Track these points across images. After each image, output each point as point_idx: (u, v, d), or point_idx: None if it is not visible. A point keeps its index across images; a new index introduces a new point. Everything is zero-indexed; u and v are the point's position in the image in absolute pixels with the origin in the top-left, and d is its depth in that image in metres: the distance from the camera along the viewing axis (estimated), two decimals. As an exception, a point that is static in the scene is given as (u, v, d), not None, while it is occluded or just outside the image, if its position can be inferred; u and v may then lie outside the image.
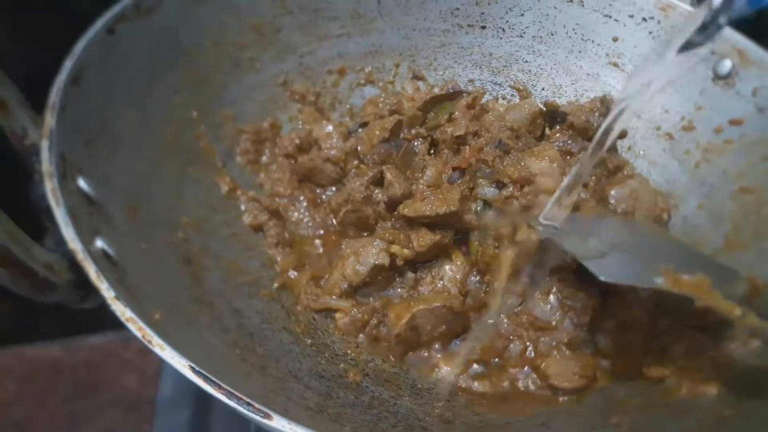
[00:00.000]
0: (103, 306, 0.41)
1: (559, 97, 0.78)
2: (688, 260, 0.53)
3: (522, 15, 0.79)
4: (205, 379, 0.34)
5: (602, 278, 0.50)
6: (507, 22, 0.79)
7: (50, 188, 0.41)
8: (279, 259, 0.64)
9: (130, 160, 0.55)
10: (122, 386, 1.00)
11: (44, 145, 0.44)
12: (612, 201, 0.65)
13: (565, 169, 0.62)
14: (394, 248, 0.61)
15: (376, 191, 0.64)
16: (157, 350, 0.35)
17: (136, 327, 0.36)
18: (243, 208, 0.65)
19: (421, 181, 0.66)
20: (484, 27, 0.80)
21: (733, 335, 0.52)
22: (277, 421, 0.32)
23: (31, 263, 0.37)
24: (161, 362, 0.85)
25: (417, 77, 0.81)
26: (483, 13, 0.80)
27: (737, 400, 0.48)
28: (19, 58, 0.49)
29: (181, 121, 0.63)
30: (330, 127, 0.71)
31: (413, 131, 0.69)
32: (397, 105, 0.72)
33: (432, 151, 0.68)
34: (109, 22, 0.56)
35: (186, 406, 0.70)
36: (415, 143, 0.69)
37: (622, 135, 0.72)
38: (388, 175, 0.64)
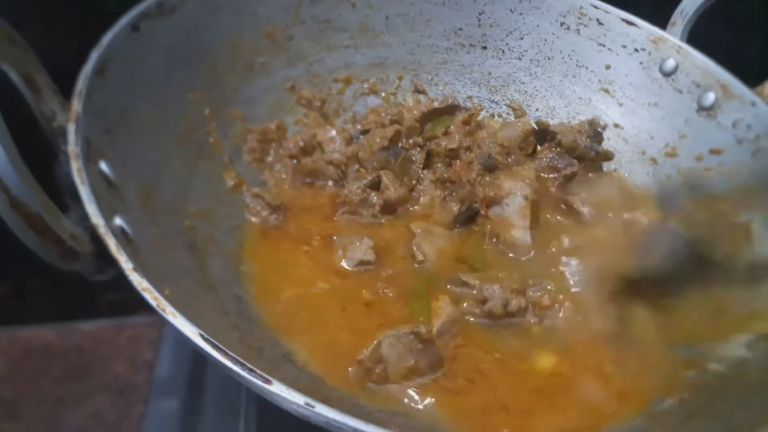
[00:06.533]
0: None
1: (552, 118, 0.82)
2: None
3: (522, 39, 0.83)
4: (214, 346, 0.37)
5: None
6: (507, 44, 0.84)
7: (76, 168, 0.44)
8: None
9: (146, 149, 0.58)
10: (112, 372, 1.02)
11: (71, 128, 0.47)
12: (574, 203, 0.66)
13: (538, 188, 0.65)
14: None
15: (373, 194, 0.68)
16: (170, 318, 0.38)
17: (152, 296, 0.39)
18: (247, 202, 0.68)
19: (416, 206, 0.69)
20: (485, 47, 0.84)
21: None
22: (276, 386, 0.36)
23: (61, 232, 0.40)
24: (154, 350, 0.87)
25: (418, 91, 0.84)
26: (485, 35, 0.84)
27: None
28: (49, 48, 0.53)
29: (194, 117, 0.66)
30: (333, 132, 0.74)
31: (411, 141, 0.73)
32: (398, 115, 0.76)
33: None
34: (134, 18, 0.59)
35: (179, 392, 0.73)
36: (413, 152, 0.73)
37: (609, 157, 0.76)
38: (385, 180, 0.68)
